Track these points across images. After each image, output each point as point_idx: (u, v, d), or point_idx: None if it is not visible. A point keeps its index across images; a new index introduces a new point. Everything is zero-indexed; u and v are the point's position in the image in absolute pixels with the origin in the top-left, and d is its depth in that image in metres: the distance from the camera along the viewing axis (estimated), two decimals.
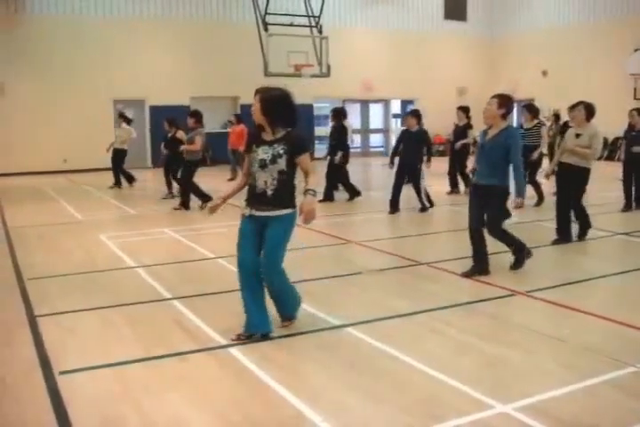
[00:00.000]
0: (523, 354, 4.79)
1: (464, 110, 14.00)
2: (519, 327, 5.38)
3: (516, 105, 7.89)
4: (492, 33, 26.87)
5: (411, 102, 27.64)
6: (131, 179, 16.46)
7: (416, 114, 11.77)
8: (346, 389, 4.22)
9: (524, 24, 25.70)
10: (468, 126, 13.81)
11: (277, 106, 4.98)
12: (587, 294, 6.47)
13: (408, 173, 11.52)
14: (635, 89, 22.00)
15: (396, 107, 28.66)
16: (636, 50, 21.82)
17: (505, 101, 6.82)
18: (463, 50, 26.83)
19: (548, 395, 4.04)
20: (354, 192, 13.27)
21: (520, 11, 26.06)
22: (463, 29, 26.65)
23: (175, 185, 13.36)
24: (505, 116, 6.84)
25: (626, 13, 22.11)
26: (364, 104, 26.38)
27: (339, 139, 13.11)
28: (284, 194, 5.03)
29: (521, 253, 7.07)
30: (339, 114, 13.36)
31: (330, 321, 5.49)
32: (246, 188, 5.21)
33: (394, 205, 11.46)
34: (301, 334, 5.23)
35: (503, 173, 6.81)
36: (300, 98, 22.74)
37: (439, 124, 22.35)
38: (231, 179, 17.20)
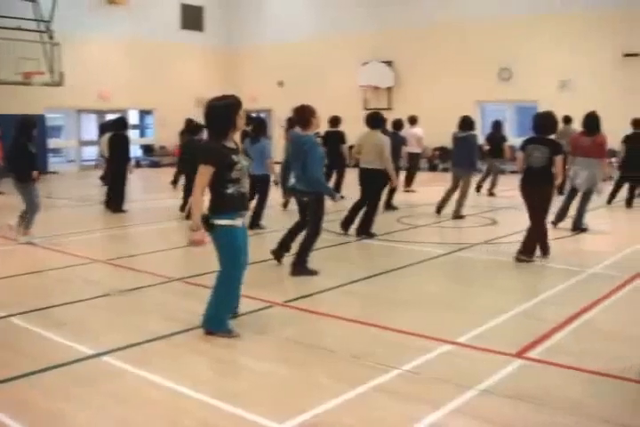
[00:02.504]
0: (292, 368, 4.72)
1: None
2: (285, 340, 5.31)
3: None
4: (230, 44, 27.10)
5: (149, 113, 27.06)
6: None
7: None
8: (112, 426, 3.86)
9: (260, 37, 26.19)
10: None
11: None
12: (342, 300, 6.58)
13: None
14: (365, 99, 23.39)
15: (133, 117, 27.81)
16: (364, 63, 23.25)
17: None
18: (201, 60, 26.76)
19: (322, 408, 3.99)
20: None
21: (255, 24, 26.53)
22: (200, 39, 26.59)
23: None
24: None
25: (355, 29, 23.42)
26: (101, 115, 25.17)
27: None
28: None
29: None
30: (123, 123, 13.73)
31: (83, 351, 5.01)
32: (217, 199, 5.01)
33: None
34: (54, 368, 4.72)
35: None
36: (30, 108, 21.00)
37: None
38: None
